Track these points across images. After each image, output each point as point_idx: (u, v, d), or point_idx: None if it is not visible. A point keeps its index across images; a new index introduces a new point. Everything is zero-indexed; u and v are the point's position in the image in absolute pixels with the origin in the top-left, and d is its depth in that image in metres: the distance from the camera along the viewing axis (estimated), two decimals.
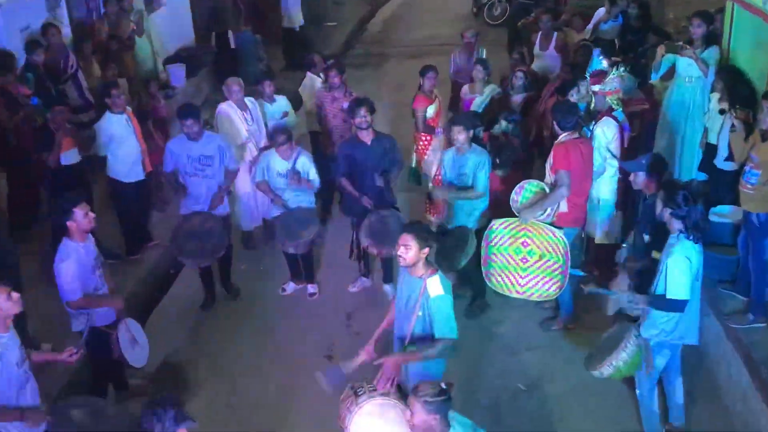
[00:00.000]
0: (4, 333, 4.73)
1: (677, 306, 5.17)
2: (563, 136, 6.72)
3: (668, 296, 5.15)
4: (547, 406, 6.30)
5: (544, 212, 6.72)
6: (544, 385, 6.51)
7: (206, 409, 6.47)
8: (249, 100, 8.43)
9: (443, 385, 4.06)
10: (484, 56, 9.79)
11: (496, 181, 7.51)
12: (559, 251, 6.58)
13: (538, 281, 6.66)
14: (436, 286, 4.83)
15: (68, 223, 5.60)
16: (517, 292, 6.74)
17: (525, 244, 6.66)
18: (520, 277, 6.68)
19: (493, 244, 6.74)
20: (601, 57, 8.73)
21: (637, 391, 5.74)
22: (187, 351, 7.19)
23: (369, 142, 7.28)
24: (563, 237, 6.60)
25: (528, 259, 6.65)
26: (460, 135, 6.96)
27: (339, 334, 7.32)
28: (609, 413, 6.12)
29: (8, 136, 7.88)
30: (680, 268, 5.10)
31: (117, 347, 5.92)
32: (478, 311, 7.44)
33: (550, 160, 6.84)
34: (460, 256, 6.80)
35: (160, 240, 8.56)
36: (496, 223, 6.77)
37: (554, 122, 6.84)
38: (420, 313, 4.89)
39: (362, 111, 7.18)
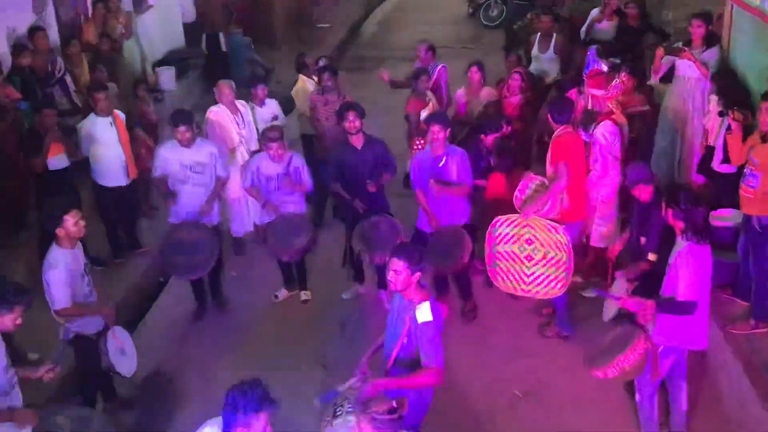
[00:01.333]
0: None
1: (687, 308, 5.22)
2: (560, 130, 6.86)
3: (678, 299, 5.20)
4: (544, 414, 6.32)
5: (546, 205, 6.80)
6: (540, 393, 6.54)
7: (197, 420, 6.45)
8: (240, 104, 8.46)
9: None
10: (437, 70, 9.52)
11: (499, 183, 7.58)
12: (563, 248, 6.62)
13: (543, 279, 6.70)
14: (425, 312, 4.71)
15: (57, 231, 5.62)
16: (523, 290, 6.79)
17: (529, 241, 6.71)
18: (525, 275, 6.73)
19: (497, 242, 6.78)
20: (597, 58, 8.79)
21: (637, 396, 5.77)
22: (177, 361, 7.20)
23: (359, 147, 7.32)
24: (565, 234, 6.62)
25: (533, 257, 6.69)
26: (440, 134, 6.93)
27: (332, 342, 7.34)
28: (607, 421, 6.15)
29: None
30: (688, 270, 5.16)
31: (105, 356, 5.95)
32: (471, 315, 7.51)
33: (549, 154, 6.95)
34: (459, 253, 6.88)
35: (148, 247, 8.60)
36: (499, 221, 6.82)
37: (549, 116, 6.97)
38: (405, 340, 4.80)
39: (351, 116, 7.22)
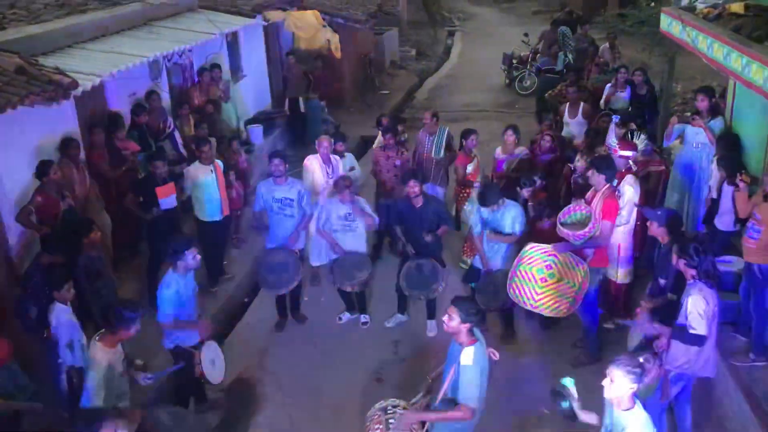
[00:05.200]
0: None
1: (697, 340, 5.08)
2: (607, 189, 6.52)
3: (690, 331, 5.06)
4: (568, 428, 6.14)
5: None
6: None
7: (270, 422, 6.47)
8: (334, 157, 8.42)
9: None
10: (446, 133, 9.14)
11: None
12: (578, 280, 6.43)
13: (550, 299, 6.49)
14: (468, 356, 4.67)
15: (179, 262, 5.71)
16: (531, 305, 6.58)
17: (549, 267, 6.53)
18: (536, 293, 6.53)
19: (523, 262, 6.62)
20: (615, 126, 8.70)
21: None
22: (256, 370, 7.21)
23: (418, 207, 7.25)
24: (587, 271, 6.43)
25: (547, 280, 6.51)
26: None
27: (387, 359, 7.28)
28: None
29: (111, 187, 8.10)
30: (698, 308, 5.04)
31: (199, 366, 5.97)
32: (509, 340, 7.40)
33: (599, 204, 6.54)
34: (504, 295, 6.77)
35: (233, 274, 8.69)
36: (531, 246, 6.67)
37: (600, 174, 6.51)
38: (454, 376, 4.77)
39: (411, 182, 7.18)
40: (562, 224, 6.58)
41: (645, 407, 5.47)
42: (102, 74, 7.33)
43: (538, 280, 6.55)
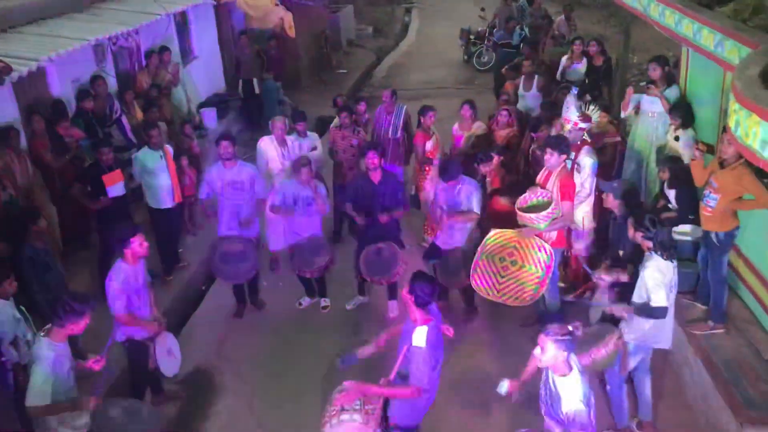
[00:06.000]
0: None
1: (660, 312, 5.09)
2: (563, 170, 6.42)
3: (651, 304, 5.07)
4: (530, 401, 6.11)
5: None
6: (527, 384, 6.36)
7: (230, 411, 6.37)
8: (290, 139, 8.24)
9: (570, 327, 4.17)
10: (403, 111, 9.06)
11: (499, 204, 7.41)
12: (541, 265, 6.29)
13: (513, 288, 6.37)
14: (420, 336, 4.60)
15: (125, 250, 5.50)
16: (495, 296, 6.45)
17: (510, 254, 6.42)
18: (498, 282, 6.41)
19: (485, 251, 6.49)
20: (573, 98, 8.65)
21: (608, 387, 5.63)
22: (215, 359, 7.07)
23: (377, 182, 7.13)
24: (552, 254, 6.32)
25: (508, 268, 6.40)
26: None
27: (348, 342, 7.18)
28: None
29: (54, 176, 7.84)
30: (655, 280, 5.05)
31: (153, 358, 5.82)
32: (471, 317, 7.37)
33: (555, 185, 6.43)
34: (465, 272, 6.66)
35: (188, 262, 8.51)
36: (493, 233, 6.54)
37: (557, 153, 6.35)
38: (407, 355, 4.71)
39: (370, 153, 7.06)
40: (521, 210, 6.48)
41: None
42: (40, 59, 7.06)
43: (500, 269, 6.43)
